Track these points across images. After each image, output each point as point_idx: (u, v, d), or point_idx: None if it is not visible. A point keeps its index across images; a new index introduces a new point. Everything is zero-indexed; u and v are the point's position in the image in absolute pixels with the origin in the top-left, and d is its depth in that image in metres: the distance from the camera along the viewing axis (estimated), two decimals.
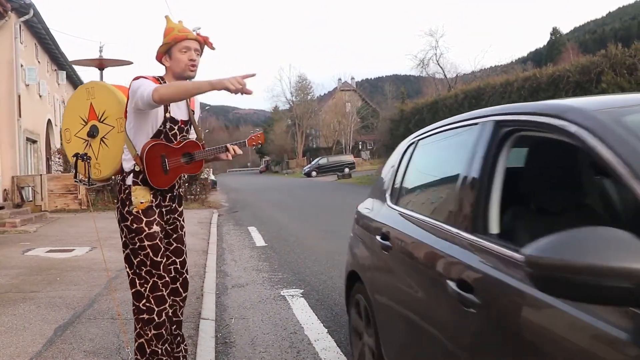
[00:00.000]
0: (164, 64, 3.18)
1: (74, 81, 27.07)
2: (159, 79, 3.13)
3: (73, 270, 6.87)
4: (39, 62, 19.74)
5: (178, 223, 3.35)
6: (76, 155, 3.43)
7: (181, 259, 3.36)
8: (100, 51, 3.87)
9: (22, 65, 16.91)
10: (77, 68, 25.22)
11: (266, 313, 5.11)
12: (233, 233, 11.54)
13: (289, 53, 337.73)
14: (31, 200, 15.89)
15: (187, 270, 3.42)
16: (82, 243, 9.15)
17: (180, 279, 3.35)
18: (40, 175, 16.93)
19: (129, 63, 4.09)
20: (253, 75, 2.88)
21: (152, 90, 2.88)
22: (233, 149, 3.28)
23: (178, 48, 3.10)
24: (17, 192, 15.87)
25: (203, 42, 3.19)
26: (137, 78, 3.05)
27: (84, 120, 3.46)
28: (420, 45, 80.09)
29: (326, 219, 13.30)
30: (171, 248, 3.31)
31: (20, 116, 16.35)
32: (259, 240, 10.00)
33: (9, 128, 16.05)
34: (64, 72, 23.58)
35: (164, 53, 3.15)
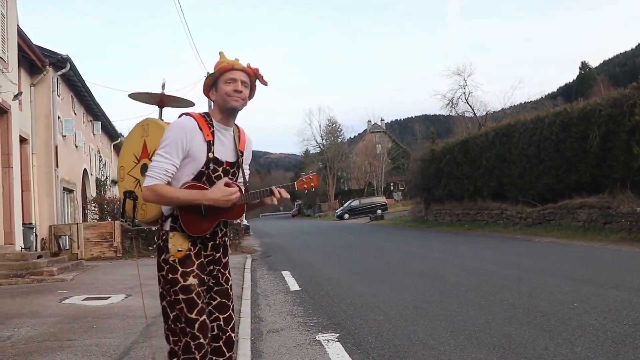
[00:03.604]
0: (210, 98, 2.99)
1: (109, 131, 27.71)
2: (205, 116, 2.94)
3: (109, 317, 6.90)
4: (75, 113, 20.31)
5: (221, 275, 3.03)
6: (125, 193, 3.27)
7: (225, 315, 3.01)
8: (163, 87, 3.79)
9: (59, 117, 17.43)
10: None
11: (302, 358, 5.04)
12: (267, 278, 11.51)
13: (317, 96, 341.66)
14: (68, 249, 16.14)
15: (232, 329, 3.04)
16: (117, 290, 9.21)
17: (224, 337, 2.98)
18: (77, 224, 17.23)
19: (191, 104, 3.96)
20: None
21: (148, 185, 2.81)
22: (279, 192, 2.96)
23: (223, 79, 2.89)
24: (54, 241, 16.15)
25: (253, 75, 2.96)
26: (182, 115, 2.96)
27: (137, 158, 3.32)
28: (448, 85, 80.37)
29: (359, 262, 13.20)
30: (214, 303, 2.99)
31: (57, 166, 16.77)
32: (293, 285, 9.94)
33: (47, 178, 16.44)
34: (99, 122, 24.21)
35: (211, 86, 2.96)
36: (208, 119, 2.93)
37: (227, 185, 2.87)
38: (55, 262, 12.66)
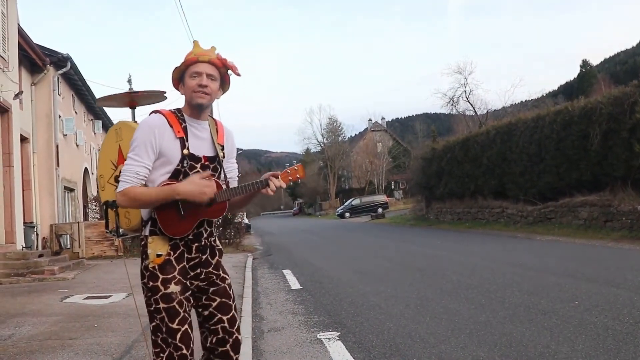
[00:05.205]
0: (180, 92, 2.79)
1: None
2: (176, 112, 2.76)
3: (110, 316, 6.90)
4: (75, 112, 20.32)
5: (215, 276, 2.82)
6: (106, 203, 3.07)
7: (229, 316, 2.79)
8: (130, 82, 3.61)
9: (60, 116, 17.45)
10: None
11: (303, 357, 5.04)
12: (268, 276, 11.51)
13: (318, 95, 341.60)
14: (69, 248, 16.15)
15: (238, 329, 2.84)
16: (118, 289, 9.22)
17: (230, 339, 2.79)
18: (78, 222, 17.25)
19: (162, 93, 3.71)
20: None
21: (120, 190, 2.65)
22: (272, 182, 2.69)
23: (189, 73, 2.70)
24: (55, 239, 16.16)
25: (222, 66, 2.75)
26: (152, 112, 2.77)
27: (114, 164, 3.11)
28: (448, 83, 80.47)
29: (361, 260, 13.19)
30: (214, 304, 2.78)
31: (58, 165, 16.79)
32: (294, 283, 9.94)
33: (48, 177, 16.47)
34: (100, 121, 24.24)
35: (179, 80, 2.77)
36: (179, 115, 2.75)
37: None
38: (56, 261, 12.67)
